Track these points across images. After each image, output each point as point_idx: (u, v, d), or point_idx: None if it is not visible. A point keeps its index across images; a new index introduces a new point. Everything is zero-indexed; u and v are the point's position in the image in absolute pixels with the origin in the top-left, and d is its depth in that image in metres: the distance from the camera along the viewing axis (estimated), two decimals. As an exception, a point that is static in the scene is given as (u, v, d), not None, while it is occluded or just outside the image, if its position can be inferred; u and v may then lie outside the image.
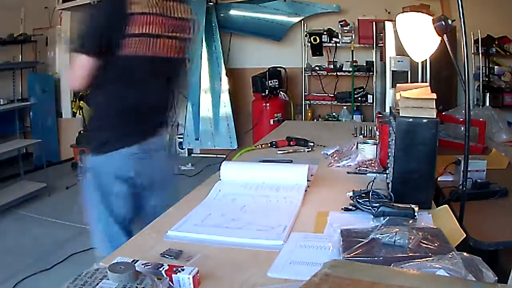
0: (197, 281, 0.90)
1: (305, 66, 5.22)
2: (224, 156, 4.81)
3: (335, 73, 5.16)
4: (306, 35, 5.05)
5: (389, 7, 4.67)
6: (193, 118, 5.25)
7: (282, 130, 2.64)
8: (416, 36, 1.44)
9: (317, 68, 5.19)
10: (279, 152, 2.08)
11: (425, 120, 1.24)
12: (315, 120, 5.28)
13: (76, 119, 5.61)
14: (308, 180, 1.51)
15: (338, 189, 1.49)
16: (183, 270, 0.89)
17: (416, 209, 1.13)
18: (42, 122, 4.93)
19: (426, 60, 2.89)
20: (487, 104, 4.42)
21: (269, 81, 4.99)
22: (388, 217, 1.11)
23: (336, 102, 5.19)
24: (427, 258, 0.84)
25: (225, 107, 5.24)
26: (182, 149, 5.79)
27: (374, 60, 4.85)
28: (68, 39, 2.75)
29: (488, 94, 4.56)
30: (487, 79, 4.63)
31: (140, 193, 1.66)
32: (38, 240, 3.30)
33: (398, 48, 3.51)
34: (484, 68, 4.61)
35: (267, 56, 5.34)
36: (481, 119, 2.39)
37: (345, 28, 4.96)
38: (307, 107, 5.35)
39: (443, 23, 1.36)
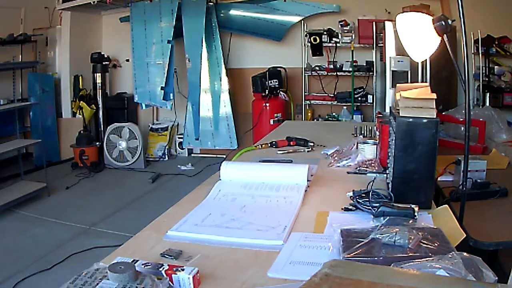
0: (197, 281, 0.90)
1: (305, 66, 5.22)
2: (224, 156, 4.81)
3: (335, 73, 5.16)
4: (306, 35, 5.05)
5: (389, 7, 4.67)
6: (193, 118, 5.25)
7: (282, 130, 2.64)
8: (416, 36, 1.44)
9: (317, 68, 5.19)
10: (279, 152, 2.08)
11: (425, 120, 1.23)
12: (315, 120, 5.28)
13: (76, 119, 5.63)
14: (308, 180, 1.51)
15: (338, 189, 1.49)
16: (183, 270, 0.89)
17: (416, 209, 1.12)
18: (42, 122, 4.92)
19: (426, 60, 2.89)
20: (487, 104, 4.41)
21: (269, 81, 4.99)
22: (388, 217, 1.11)
23: (336, 102, 5.19)
24: (427, 258, 0.84)
25: (225, 107, 5.24)
26: (182, 149, 5.80)
27: (374, 60, 4.84)
28: None
29: (488, 94, 4.55)
30: (487, 79, 4.63)
31: None
32: (38, 240, 3.31)
33: (398, 48, 3.52)
34: (484, 68, 4.61)
35: (267, 56, 5.34)
36: (481, 119, 2.39)
37: (345, 28, 4.96)
38: (307, 107, 5.35)
39: (443, 23, 1.36)
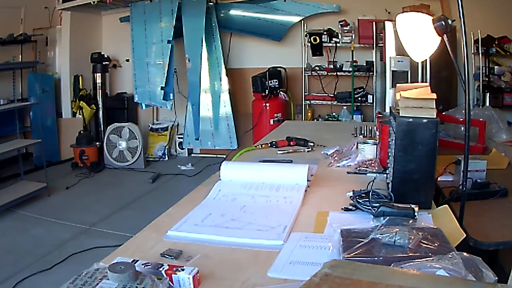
0: (197, 281, 0.90)
1: (305, 66, 5.22)
2: (224, 156, 4.81)
3: (335, 73, 5.16)
4: (306, 35, 5.05)
5: (389, 7, 4.67)
6: (193, 118, 5.25)
7: (282, 130, 2.64)
8: (416, 36, 1.44)
9: (317, 68, 5.19)
10: (279, 152, 2.08)
11: (425, 120, 1.23)
12: (315, 120, 5.28)
13: (76, 119, 5.62)
14: (308, 180, 1.51)
15: (338, 189, 1.49)
16: (183, 270, 0.89)
17: (416, 209, 1.12)
18: (42, 122, 4.92)
19: (426, 60, 2.89)
20: (487, 104, 4.41)
21: (269, 81, 4.99)
22: (388, 217, 1.11)
23: (336, 102, 5.19)
24: (427, 258, 0.84)
25: (225, 107, 5.24)
26: (182, 149, 5.80)
27: (374, 60, 4.84)
28: None
29: (488, 94, 4.55)
30: (487, 79, 4.63)
31: None
32: (38, 240, 3.30)
33: (398, 48, 3.51)
34: (484, 68, 4.61)
35: (267, 56, 5.34)
36: (481, 119, 2.39)
37: (345, 28, 4.95)
38: (307, 107, 5.35)
39: (443, 23, 1.36)
